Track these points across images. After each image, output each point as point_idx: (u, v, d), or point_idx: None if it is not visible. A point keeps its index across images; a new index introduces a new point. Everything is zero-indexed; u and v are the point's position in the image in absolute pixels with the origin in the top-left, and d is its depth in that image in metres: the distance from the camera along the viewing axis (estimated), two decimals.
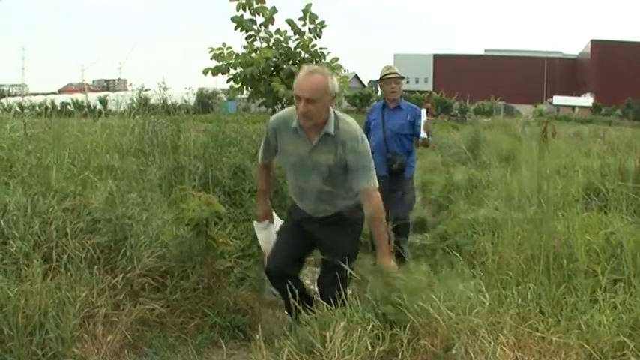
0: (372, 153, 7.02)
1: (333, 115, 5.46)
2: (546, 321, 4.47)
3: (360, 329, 4.21)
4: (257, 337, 4.42)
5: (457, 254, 5.59)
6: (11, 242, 5.47)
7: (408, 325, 4.31)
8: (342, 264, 5.23)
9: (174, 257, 6.14)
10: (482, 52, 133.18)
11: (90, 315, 5.21)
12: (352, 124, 5.59)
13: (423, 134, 8.46)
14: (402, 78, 8.92)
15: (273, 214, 6.36)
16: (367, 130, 8.59)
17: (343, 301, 4.82)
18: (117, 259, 5.78)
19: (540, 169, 7.65)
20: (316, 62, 9.64)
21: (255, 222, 6.39)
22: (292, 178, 5.87)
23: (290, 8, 9.59)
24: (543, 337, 4.28)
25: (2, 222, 5.65)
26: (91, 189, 6.41)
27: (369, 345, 4.13)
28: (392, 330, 4.33)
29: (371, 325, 4.28)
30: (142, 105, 10.24)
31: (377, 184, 5.50)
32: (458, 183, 11.89)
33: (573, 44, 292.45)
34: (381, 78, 8.91)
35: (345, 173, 5.52)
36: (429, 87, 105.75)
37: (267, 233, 6.26)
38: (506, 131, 21.31)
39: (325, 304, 4.81)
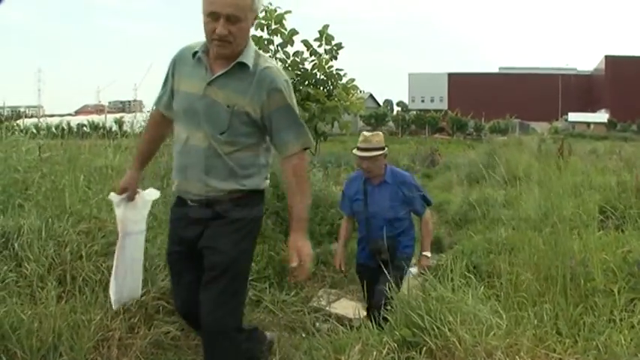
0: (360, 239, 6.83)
1: (251, 43, 4.18)
2: (563, 342, 4.43)
3: (375, 352, 4.19)
4: None
5: (473, 275, 5.52)
6: (25, 265, 5.45)
7: (425, 348, 4.29)
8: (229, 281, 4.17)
9: None
10: (496, 70, 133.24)
11: (104, 338, 5.17)
12: (275, 63, 4.34)
13: (414, 270, 6.41)
14: (380, 152, 6.65)
15: (141, 191, 4.78)
16: (350, 207, 6.95)
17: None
18: None
19: (556, 188, 7.62)
20: (332, 83, 9.65)
21: (112, 194, 4.75)
22: (179, 132, 4.28)
23: (307, 29, 9.58)
24: (561, 359, 4.24)
25: (17, 245, 5.63)
26: (107, 212, 6.39)
27: None
28: (408, 353, 4.30)
29: (386, 349, 4.25)
30: None
31: (310, 144, 4.25)
32: (473, 202, 11.86)
33: (587, 60, 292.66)
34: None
35: (252, 134, 4.16)
36: (444, 106, 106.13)
37: (121, 214, 4.67)
38: (522, 149, 21.26)
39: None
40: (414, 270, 6.39)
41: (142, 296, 5.46)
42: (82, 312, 5.10)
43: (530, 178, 11.13)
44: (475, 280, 5.19)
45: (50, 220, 6.00)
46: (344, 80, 9.96)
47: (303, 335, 5.87)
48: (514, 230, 7.64)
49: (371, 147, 6.59)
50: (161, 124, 4.62)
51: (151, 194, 4.81)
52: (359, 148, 6.65)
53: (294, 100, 4.23)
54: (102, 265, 5.67)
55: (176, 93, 4.28)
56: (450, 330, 4.30)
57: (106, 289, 5.39)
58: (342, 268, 6.95)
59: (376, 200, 6.67)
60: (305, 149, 4.20)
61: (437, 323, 4.38)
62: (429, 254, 6.69)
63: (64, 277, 5.51)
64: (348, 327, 4.79)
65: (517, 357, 4.16)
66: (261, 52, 4.34)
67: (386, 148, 6.71)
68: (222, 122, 4.07)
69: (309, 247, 4.13)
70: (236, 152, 4.14)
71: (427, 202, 6.90)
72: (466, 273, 5.31)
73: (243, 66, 4.04)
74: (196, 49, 4.12)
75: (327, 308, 6.73)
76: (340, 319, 6.40)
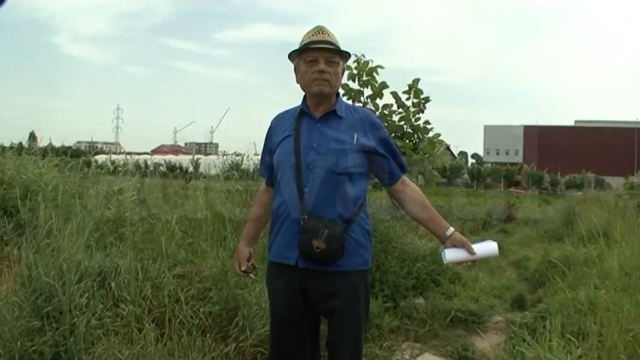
0: (275, 220, 4.08)
1: None
2: None
3: None
4: None
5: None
6: (122, 305, 5.56)
7: None
8: None
9: None
10: (572, 124, 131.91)
11: None
12: None
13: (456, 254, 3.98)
14: (343, 56, 4.07)
15: None
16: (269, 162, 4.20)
17: None
18: (229, 329, 5.74)
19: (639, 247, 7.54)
20: (418, 136, 9.67)
21: None
22: None
23: (394, 82, 9.59)
24: None
25: (114, 284, 5.74)
26: (202, 257, 6.50)
27: None
28: None
29: None
30: (235, 169, 10.36)
31: None
32: (554, 259, 11.73)
33: None
34: (298, 51, 4.05)
35: None
36: (519, 159, 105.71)
37: None
38: (600, 205, 20.98)
39: None
40: (454, 254, 3.97)
41: (240, 342, 5.55)
42: (180, 355, 5.20)
43: (610, 236, 10.99)
44: (576, 342, 5.14)
45: (146, 261, 6.11)
46: (430, 134, 9.96)
47: None
48: (598, 290, 7.55)
49: (327, 39, 4.00)
50: None
51: None
52: (310, 43, 3.99)
53: None
54: (199, 310, 5.73)
55: None
56: None
57: (204, 333, 5.50)
58: (245, 269, 4.46)
59: (316, 139, 3.96)
60: None
61: None
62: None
63: (161, 320, 5.57)
64: None
65: None
66: None
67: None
68: None
69: None
70: None
71: (402, 165, 4.20)
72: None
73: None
74: None
75: None
76: None
